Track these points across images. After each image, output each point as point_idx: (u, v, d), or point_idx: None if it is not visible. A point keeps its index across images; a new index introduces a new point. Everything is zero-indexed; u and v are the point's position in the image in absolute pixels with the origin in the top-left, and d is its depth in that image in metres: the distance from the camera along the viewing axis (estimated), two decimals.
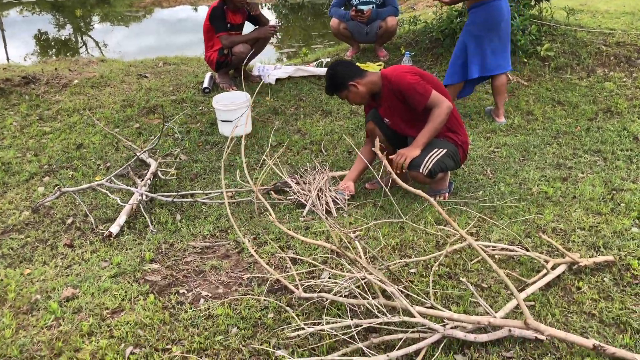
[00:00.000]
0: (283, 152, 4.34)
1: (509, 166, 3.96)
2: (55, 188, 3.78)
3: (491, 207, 3.41)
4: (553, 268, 2.64)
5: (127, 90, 5.58)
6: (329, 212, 3.41)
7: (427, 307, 2.32)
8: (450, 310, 2.40)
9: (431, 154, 3.32)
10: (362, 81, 3.40)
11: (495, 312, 2.26)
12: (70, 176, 4.09)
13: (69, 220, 3.50)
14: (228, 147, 3.59)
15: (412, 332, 2.22)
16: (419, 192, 2.26)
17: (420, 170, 3.32)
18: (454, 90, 4.60)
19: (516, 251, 2.76)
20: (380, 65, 5.50)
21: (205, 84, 5.45)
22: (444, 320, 2.24)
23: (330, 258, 2.85)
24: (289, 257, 2.83)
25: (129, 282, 2.75)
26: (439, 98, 3.30)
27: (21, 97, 5.43)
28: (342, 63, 3.46)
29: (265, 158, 4.00)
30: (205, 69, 6.12)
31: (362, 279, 2.44)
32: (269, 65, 5.88)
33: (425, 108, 3.29)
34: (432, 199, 2.22)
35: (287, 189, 3.65)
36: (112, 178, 3.69)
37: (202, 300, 2.61)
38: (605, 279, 2.61)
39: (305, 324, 2.27)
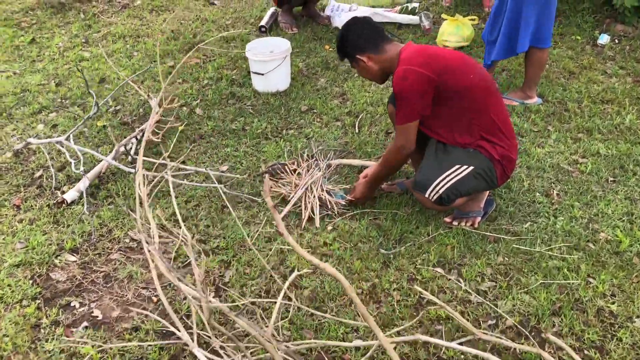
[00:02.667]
0: (310, 120, 3.60)
1: (586, 189, 2.92)
2: (20, 138, 3.41)
3: (528, 252, 2.48)
4: None
5: (185, 19, 5.05)
6: (311, 220, 2.70)
7: None
8: None
9: (447, 173, 2.43)
10: (376, 57, 2.54)
11: None
12: (75, 116, 3.71)
13: (38, 174, 3.13)
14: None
15: None
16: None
17: (427, 195, 2.46)
18: None
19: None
20: (473, 19, 4.40)
21: (264, 22, 4.74)
22: None
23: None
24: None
25: (24, 278, 2.31)
26: (403, 135, 2.48)
27: (78, 15, 5.12)
28: (358, 24, 2.57)
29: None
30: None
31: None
32: (345, 4, 5.00)
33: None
34: (277, 215, 1.43)
35: (279, 174, 2.97)
36: (71, 135, 3.19)
37: (83, 325, 2.10)
38: None
39: None
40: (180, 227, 2.14)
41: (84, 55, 4.48)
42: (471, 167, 2.43)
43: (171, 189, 2.19)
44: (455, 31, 4.33)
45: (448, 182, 2.42)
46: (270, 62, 3.80)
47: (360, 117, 3.61)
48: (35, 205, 2.86)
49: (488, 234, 2.62)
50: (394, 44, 2.55)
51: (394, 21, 4.79)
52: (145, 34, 4.80)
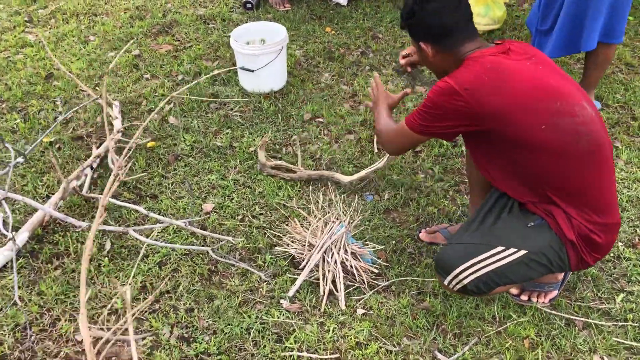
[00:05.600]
0: (315, 133, 2.84)
1: None
2: None
3: (633, 349, 1.81)
4: None
5: None
6: (332, 294, 1.98)
7: None
8: None
9: (481, 258, 1.71)
10: (444, 54, 1.80)
11: None
12: (12, 127, 2.89)
13: None
14: None
15: None
16: None
17: (446, 283, 1.76)
18: None
19: None
20: None
21: None
22: None
23: None
24: None
25: None
26: (397, 135, 1.92)
27: None
28: (449, 5, 1.77)
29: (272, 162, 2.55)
30: None
31: None
32: None
33: None
34: None
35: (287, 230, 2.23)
36: None
37: None
38: None
39: None
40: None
41: (27, 40, 3.60)
42: (523, 252, 1.70)
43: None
44: (484, 12, 3.56)
45: (480, 269, 1.71)
46: (263, 56, 2.99)
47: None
48: None
49: (573, 317, 1.94)
50: (474, 42, 1.79)
51: None
52: (104, 11, 3.92)
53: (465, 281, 1.71)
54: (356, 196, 2.48)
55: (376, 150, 2.74)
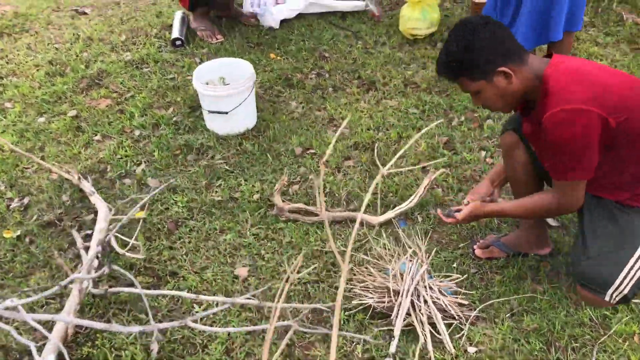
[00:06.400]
0: (313, 167, 2.67)
1: None
2: None
3: None
4: None
5: (57, 41, 3.68)
6: (438, 343, 1.84)
7: None
8: None
9: (631, 264, 1.72)
10: (520, 71, 1.71)
11: None
12: None
13: None
14: None
15: None
16: None
17: (607, 299, 1.76)
18: None
19: None
20: None
21: (176, 33, 3.58)
22: None
23: None
24: None
25: None
26: (570, 193, 1.73)
27: None
28: (484, 24, 1.70)
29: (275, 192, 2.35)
30: (173, 3, 4.18)
31: None
32: None
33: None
34: None
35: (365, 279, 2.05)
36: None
37: None
38: None
39: None
40: None
41: None
42: None
43: None
44: (421, 16, 3.58)
45: (635, 273, 1.72)
46: (237, 95, 2.76)
47: (375, 150, 2.75)
48: None
49: None
50: (534, 56, 1.75)
51: (335, 9, 3.91)
52: (9, 72, 3.39)
53: (626, 290, 1.68)
54: (390, 226, 2.36)
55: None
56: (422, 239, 2.18)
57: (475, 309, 1.96)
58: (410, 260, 1.99)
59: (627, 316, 1.92)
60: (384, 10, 3.93)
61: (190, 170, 2.67)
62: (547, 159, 1.74)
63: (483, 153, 2.73)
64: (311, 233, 2.33)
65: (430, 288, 1.91)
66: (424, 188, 2.38)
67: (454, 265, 2.16)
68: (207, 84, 2.87)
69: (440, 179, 2.55)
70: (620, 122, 1.62)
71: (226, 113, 2.77)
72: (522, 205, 1.85)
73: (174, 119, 2.97)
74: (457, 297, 1.95)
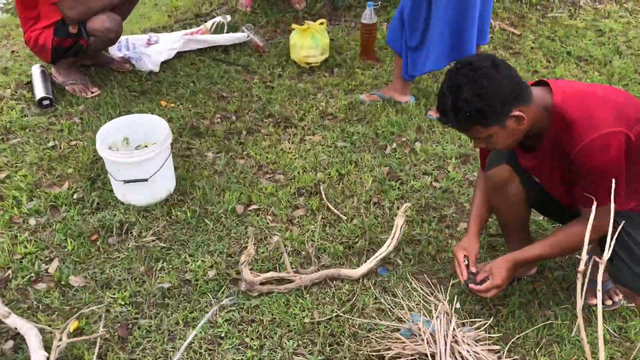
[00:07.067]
0: (264, 225, 2.36)
1: None
2: None
3: None
4: None
5: None
6: None
7: None
8: None
9: None
10: (529, 109, 1.61)
11: None
12: None
13: None
14: None
15: None
16: None
17: None
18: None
19: None
20: (322, 23, 3.54)
21: (41, 91, 3.00)
22: None
23: None
24: None
25: None
26: (604, 216, 1.58)
27: None
28: (500, 64, 1.58)
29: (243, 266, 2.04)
30: (27, 56, 3.53)
31: None
32: (136, 36, 3.53)
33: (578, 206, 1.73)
34: None
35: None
36: None
37: None
38: None
39: None
40: None
41: None
42: None
43: None
44: (313, 43, 3.43)
45: None
46: (157, 158, 2.35)
47: (322, 190, 2.52)
48: None
49: None
50: (534, 88, 1.65)
51: (216, 44, 3.59)
52: None
53: None
54: (372, 274, 2.15)
55: (347, 217, 2.41)
56: (435, 288, 2.00)
57: (501, 352, 1.83)
58: (433, 316, 1.80)
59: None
60: (264, 39, 3.70)
61: (118, 257, 2.20)
62: (582, 189, 1.65)
63: (427, 178, 2.64)
64: (292, 304, 2.04)
65: (462, 341, 1.74)
66: (400, 228, 2.20)
67: (457, 305, 2.01)
68: (110, 148, 2.41)
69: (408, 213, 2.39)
70: (637, 135, 1.60)
71: (146, 180, 2.35)
72: (557, 244, 1.75)
73: (75, 196, 2.46)
74: (488, 344, 1.80)
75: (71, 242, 2.23)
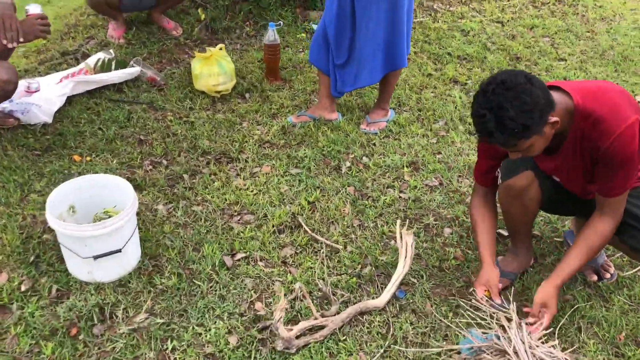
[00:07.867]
0: (256, 273, 2.15)
1: None
2: None
3: None
4: None
5: None
6: None
7: None
8: None
9: None
10: (557, 112, 1.69)
11: None
12: None
13: None
14: None
15: None
16: None
17: None
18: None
19: None
20: (222, 49, 3.32)
21: None
22: None
23: None
24: None
25: None
26: (620, 206, 1.83)
27: None
28: (531, 77, 1.62)
29: None
30: None
31: None
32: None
33: (597, 196, 1.85)
34: None
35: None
36: None
37: None
38: None
39: None
40: None
41: None
42: None
43: None
44: (221, 70, 3.22)
45: None
46: (128, 224, 2.01)
47: (302, 223, 2.38)
48: None
49: None
50: (552, 92, 1.72)
51: (106, 83, 3.19)
52: None
53: None
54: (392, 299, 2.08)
55: (341, 247, 2.30)
56: (460, 299, 1.98)
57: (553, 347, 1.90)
58: (492, 327, 1.80)
59: None
60: (158, 72, 3.39)
61: (114, 347, 1.84)
62: (607, 180, 1.76)
63: (392, 191, 2.64)
64: (334, 350, 1.89)
65: (537, 346, 1.76)
66: (412, 247, 2.17)
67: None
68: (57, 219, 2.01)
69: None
70: None
71: (119, 251, 2.00)
72: (590, 248, 1.83)
73: (23, 287, 2.00)
74: (556, 342, 1.84)
75: (46, 345, 1.81)
